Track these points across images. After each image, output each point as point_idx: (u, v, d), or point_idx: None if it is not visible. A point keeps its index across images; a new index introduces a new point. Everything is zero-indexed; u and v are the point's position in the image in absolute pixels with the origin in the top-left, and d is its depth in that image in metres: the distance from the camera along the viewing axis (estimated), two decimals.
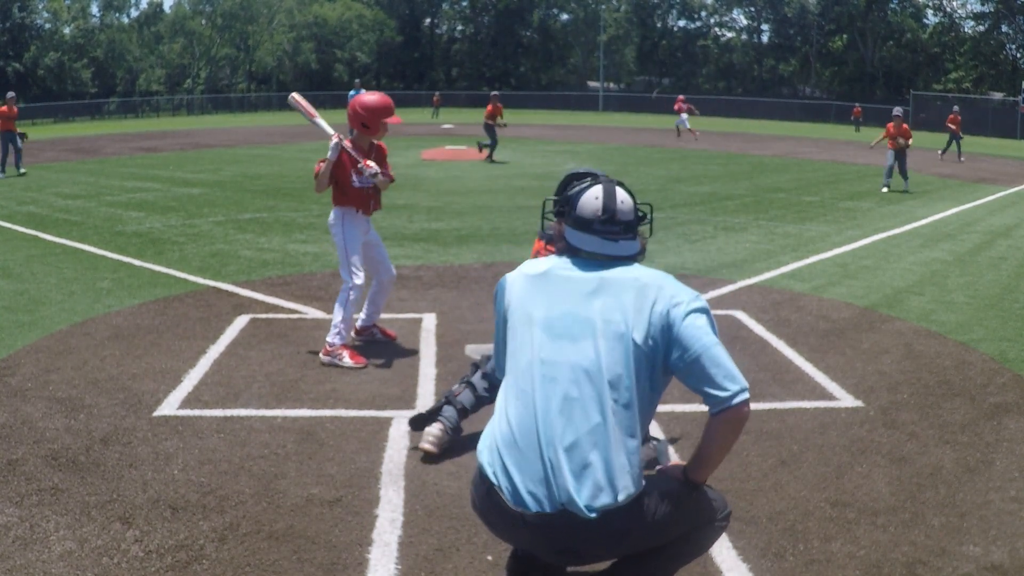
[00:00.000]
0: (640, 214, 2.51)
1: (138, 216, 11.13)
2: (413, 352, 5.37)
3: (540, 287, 2.44)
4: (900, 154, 15.37)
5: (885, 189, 15.16)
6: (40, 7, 59.77)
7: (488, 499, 2.36)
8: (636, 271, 2.41)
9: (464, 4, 79.73)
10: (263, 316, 6.17)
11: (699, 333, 2.29)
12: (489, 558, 3.00)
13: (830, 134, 38.38)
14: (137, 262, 8.05)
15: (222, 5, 67.77)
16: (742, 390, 2.26)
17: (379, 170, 5.17)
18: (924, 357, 5.40)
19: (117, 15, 66.35)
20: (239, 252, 8.60)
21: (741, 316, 6.29)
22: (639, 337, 2.29)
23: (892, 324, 6.18)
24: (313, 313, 6.27)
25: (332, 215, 5.26)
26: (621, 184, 2.51)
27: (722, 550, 3.07)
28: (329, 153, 5.07)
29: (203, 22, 68.94)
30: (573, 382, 2.29)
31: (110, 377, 4.83)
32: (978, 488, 3.58)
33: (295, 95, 5.46)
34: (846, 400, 4.61)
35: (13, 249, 8.73)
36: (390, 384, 4.78)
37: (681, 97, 33.43)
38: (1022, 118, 44.60)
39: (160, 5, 70.04)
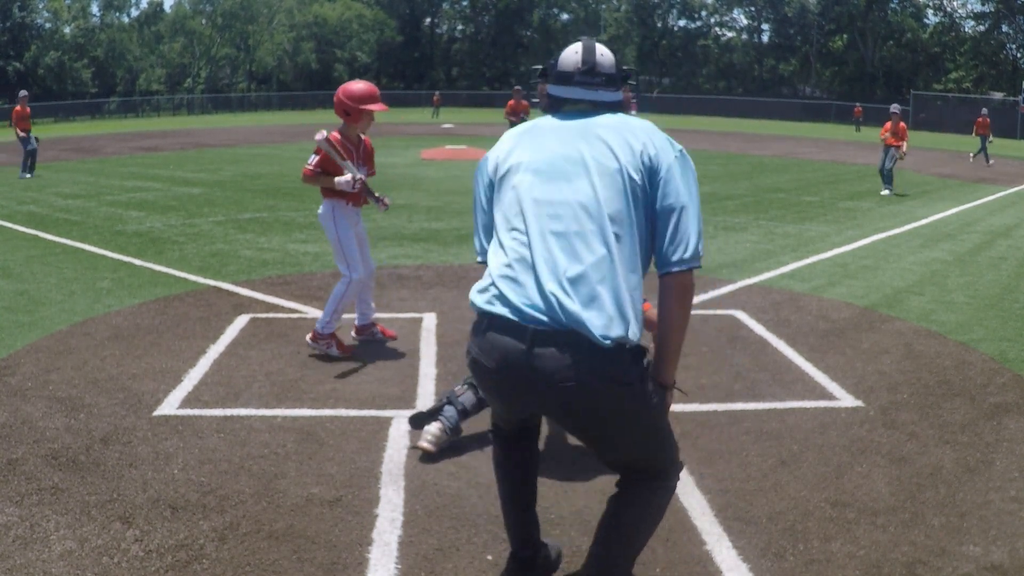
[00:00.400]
0: (624, 72, 2.50)
1: (138, 216, 11.13)
2: (413, 352, 5.36)
3: (525, 140, 2.42)
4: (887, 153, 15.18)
5: (886, 192, 14.88)
6: (40, 7, 59.76)
7: (488, 336, 2.29)
8: (622, 117, 2.39)
9: (464, 4, 79.82)
10: (263, 316, 6.17)
11: (677, 189, 2.28)
12: (489, 558, 3.00)
13: (830, 134, 38.37)
14: (137, 262, 8.05)
15: (222, 5, 67.78)
16: (692, 257, 2.26)
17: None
18: (924, 357, 5.40)
19: (117, 15, 66.36)
20: (239, 252, 8.60)
21: (741, 316, 6.29)
22: (635, 174, 2.27)
23: (892, 324, 6.18)
24: (313, 313, 6.27)
25: (322, 208, 5.25)
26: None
27: (722, 550, 3.07)
28: (347, 184, 5.02)
29: (203, 22, 68.95)
30: (573, 218, 2.25)
31: (110, 377, 4.83)
32: (978, 488, 3.58)
33: (326, 135, 4.95)
34: (846, 400, 4.61)
35: (13, 249, 8.73)
36: (390, 384, 4.78)
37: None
38: (1022, 118, 44.59)
39: (160, 5, 70.06)
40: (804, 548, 3.09)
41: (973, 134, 23.96)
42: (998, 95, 53.86)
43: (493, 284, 2.31)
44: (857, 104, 47.87)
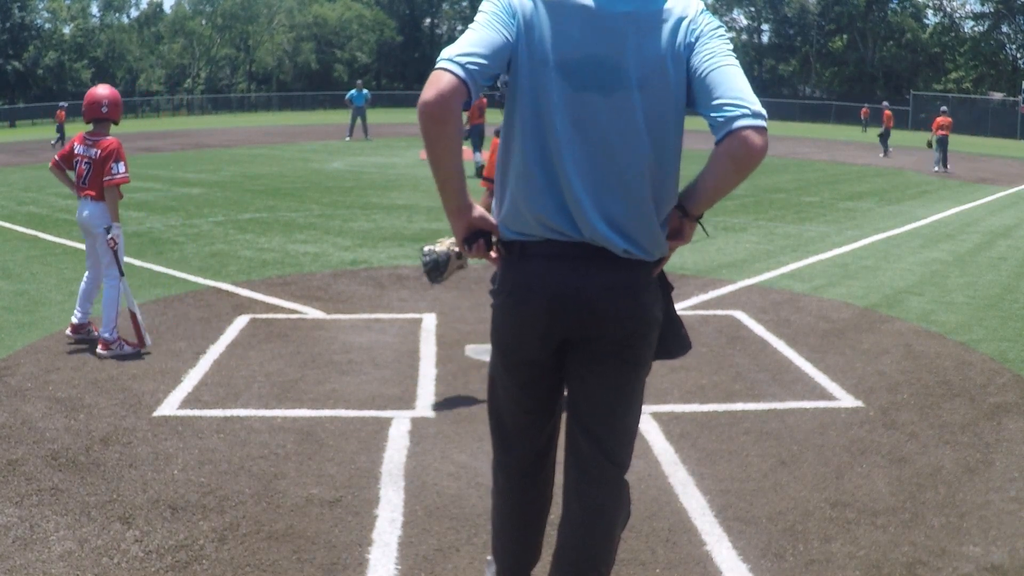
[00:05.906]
0: None
1: (138, 216, 11.12)
2: (413, 352, 5.36)
3: (556, 19, 2.03)
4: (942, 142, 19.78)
5: (937, 168, 19.60)
6: (40, 7, 59.72)
7: (524, 256, 2.12)
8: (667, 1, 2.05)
9: (464, 4, 79.79)
10: (263, 316, 6.17)
11: (722, 53, 2.03)
12: (489, 558, 3.00)
13: (830, 134, 38.37)
14: (137, 262, 8.04)
15: (222, 5, 67.80)
16: (755, 114, 1.95)
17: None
18: (924, 357, 5.40)
19: (117, 15, 66.41)
20: (239, 252, 8.60)
21: (741, 316, 6.29)
22: (679, 88, 2.04)
23: (892, 324, 6.18)
24: (313, 313, 6.27)
25: (99, 208, 5.31)
26: None
27: (722, 550, 3.07)
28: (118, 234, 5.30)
29: (203, 22, 68.96)
30: (613, 145, 2.03)
31: (110, 377, 4.83)
32: (978, 488, 3.58)
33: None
34: (846, 400, 4.61)
35: (13, 249, 8.73)
36: (390, 384, 4.78)
37: None
38: (1022, 118, 44.59)
39: (160, 5, 70.19)
40: (804, 548, 3.09)
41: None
42: (998, 95, 53.87)
43: (528, 218, 2.10)
44: (864, 105, 47.81)
